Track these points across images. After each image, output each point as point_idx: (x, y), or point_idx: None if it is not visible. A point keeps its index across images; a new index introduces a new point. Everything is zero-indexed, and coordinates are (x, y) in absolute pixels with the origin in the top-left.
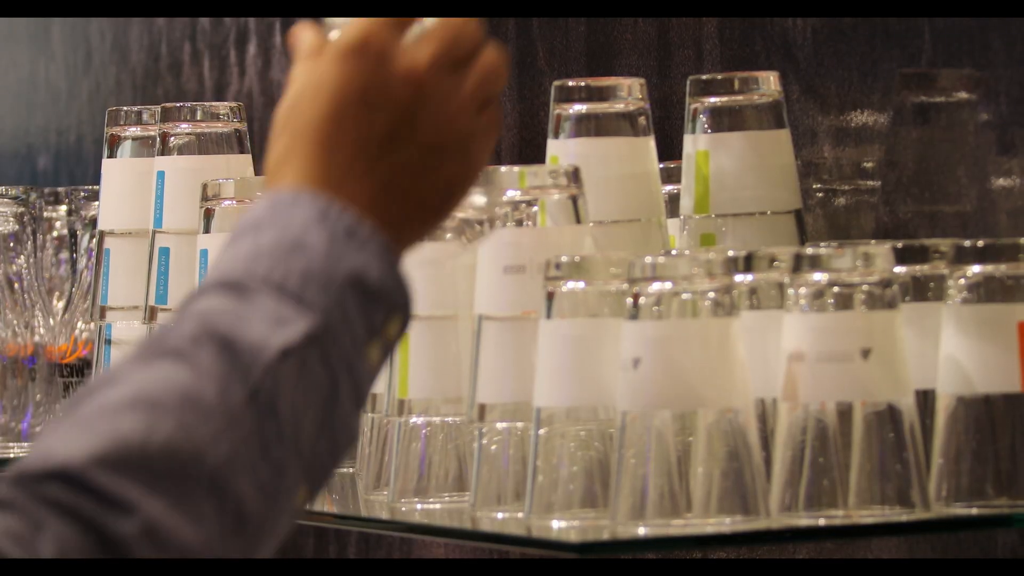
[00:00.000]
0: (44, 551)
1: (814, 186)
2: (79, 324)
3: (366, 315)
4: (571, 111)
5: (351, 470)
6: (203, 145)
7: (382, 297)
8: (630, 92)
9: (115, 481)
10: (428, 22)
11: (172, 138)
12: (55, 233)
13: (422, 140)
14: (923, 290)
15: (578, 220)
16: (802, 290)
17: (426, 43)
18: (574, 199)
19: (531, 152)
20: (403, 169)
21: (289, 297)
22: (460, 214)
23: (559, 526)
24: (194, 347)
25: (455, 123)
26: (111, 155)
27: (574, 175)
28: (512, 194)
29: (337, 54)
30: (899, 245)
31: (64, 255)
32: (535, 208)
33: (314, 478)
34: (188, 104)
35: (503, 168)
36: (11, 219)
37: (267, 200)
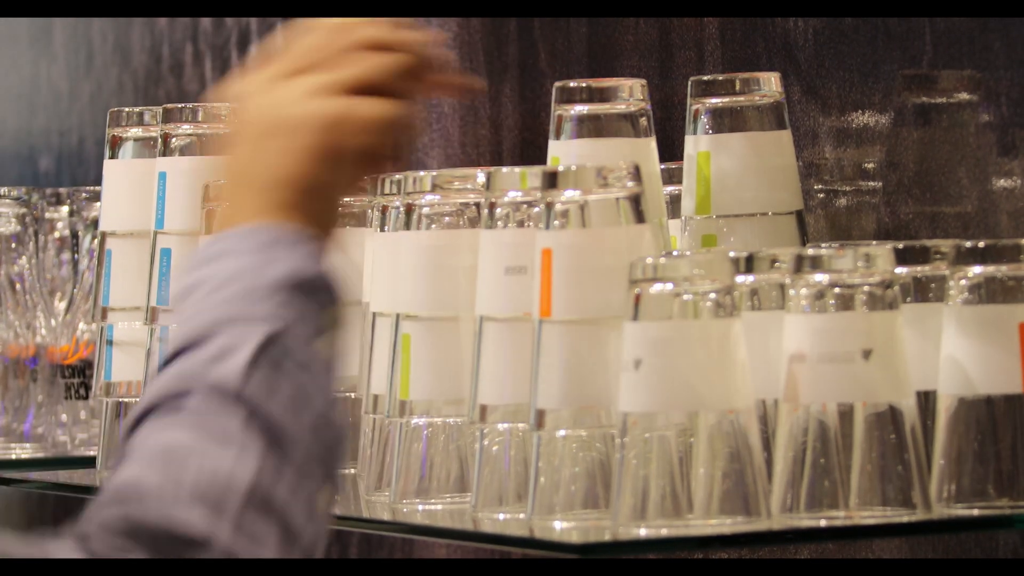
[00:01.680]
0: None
1: (815, 187)
2: (81, 325)
3: (310, 311)
4: (572, 112)
5: (352, 471)
6: (205, 146)
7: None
8: (631, 93)
9: (173, 519)
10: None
11: (174, 139)
12: (57, 234)
13: (251, 132)
14: (924, 291)
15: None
16: (803, 291)
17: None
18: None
19: (532, 153)
20: (243, 160)
21: (242, 321)
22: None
23: (561, 527)
24: (185, 401)
25: (279, 109)
26: (113, 156)
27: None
28: (513, 195)
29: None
30: (900, 246)
31: (66, 256)
32: (536, 209)
33: (331, 472)
34: (190, 105)
35: (504, 169)
36: (13, 220)
37: (200, 248)
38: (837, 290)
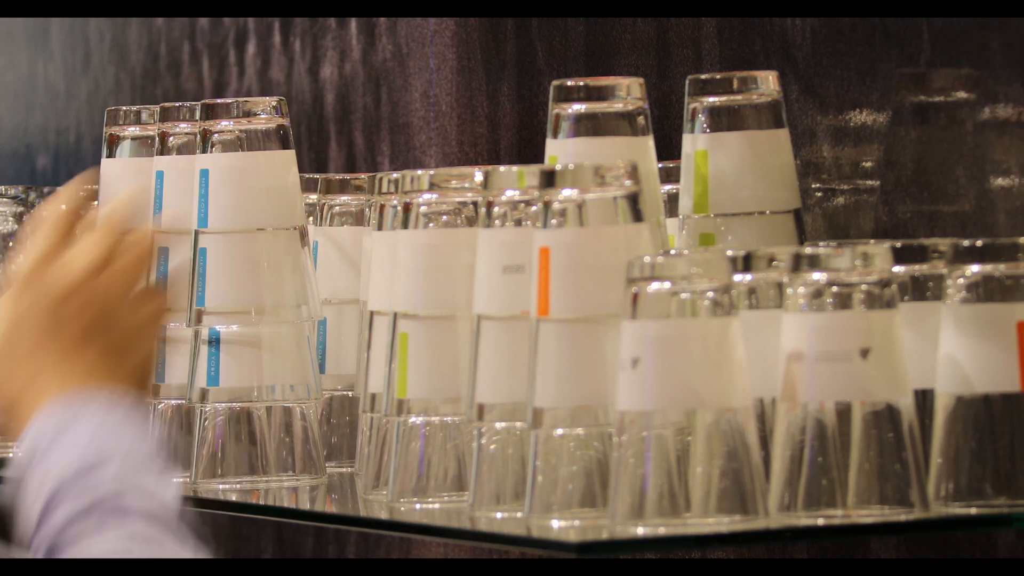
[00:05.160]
0: None
1: (813, 186)
2: None
3: None
4: (570, 111)
5: (351, 470)
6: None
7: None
8: (629, 92)
9: None
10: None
11: (171, 138)
12: None
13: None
14: (922, 290)
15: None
16: (801, 290)
17: (80, 256)
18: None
19: (530, 152)
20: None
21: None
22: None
23: (558, 526)
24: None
25: (128, 317)
26: (110, 155)
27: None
28: (511, 194)
29: (14, 291)
30: (898, 245)
31: None
32: (534, 208)
33: None
34: (187, 104)
35: (502, 168)
36: (10, 219)
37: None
38: (835, 289)
